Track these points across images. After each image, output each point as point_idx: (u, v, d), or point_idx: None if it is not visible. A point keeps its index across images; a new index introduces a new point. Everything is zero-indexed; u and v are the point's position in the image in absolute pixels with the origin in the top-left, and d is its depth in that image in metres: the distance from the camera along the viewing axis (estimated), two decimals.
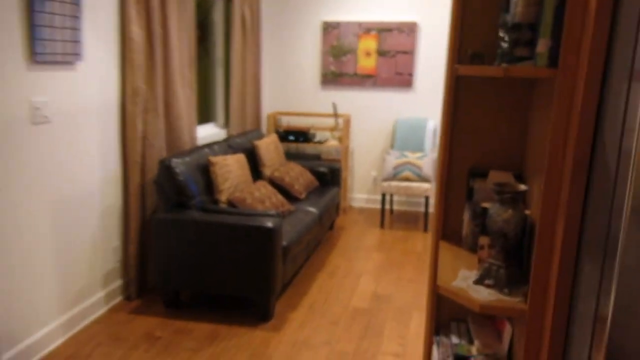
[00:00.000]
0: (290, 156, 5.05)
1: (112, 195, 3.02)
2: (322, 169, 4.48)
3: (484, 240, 1.60)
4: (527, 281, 1.47)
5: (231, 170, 3.37)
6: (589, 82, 1.09)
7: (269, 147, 4.17)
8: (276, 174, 3.99)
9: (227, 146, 3.76)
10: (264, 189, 3.49)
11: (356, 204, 5.45)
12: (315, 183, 4.30)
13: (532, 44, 1.37)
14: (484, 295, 1.46)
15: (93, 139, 2.81)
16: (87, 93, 2.73)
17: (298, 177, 4.08)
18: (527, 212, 1.57)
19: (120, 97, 3.00)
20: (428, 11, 4.89)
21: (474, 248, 1.78)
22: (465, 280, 1.56)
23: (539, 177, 1.53)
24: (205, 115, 4.52)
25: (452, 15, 1.67)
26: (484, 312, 1.42)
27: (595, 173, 1.10)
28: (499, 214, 1.45)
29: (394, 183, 4.59)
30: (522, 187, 1.46)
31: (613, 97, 1.02)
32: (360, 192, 5.42)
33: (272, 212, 3.04)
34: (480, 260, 1.62)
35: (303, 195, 3.99)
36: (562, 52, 1.17)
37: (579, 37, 1.14)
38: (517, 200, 1.45)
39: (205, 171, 3.30)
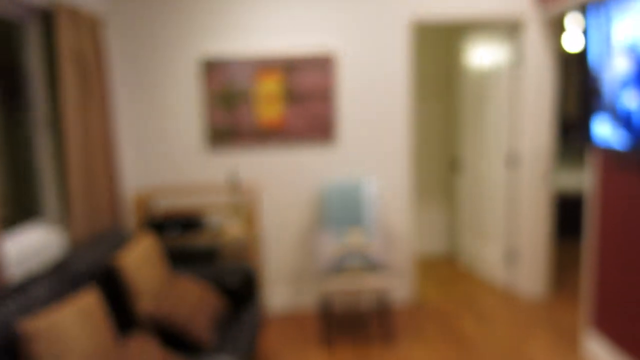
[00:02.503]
0: (174, 261, 3.38)
1: None
2: (230, 280, 2.88)
3: None
4: None
5: (68, 342, 1.66)
6: None
7: (141, 264, 2.49)
8: (160, 311, 2.33)
9: (61, 281, 2.03)
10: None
11: (277, 307, 3.89)
12: (222, 307, 2.69)
13: None
14: None
15: None
16: None
17: (196, 308, 2.44)
18: None
19: None
20: (348, 35, 3.65)
21: None
22: None
23: None
24: (23, 209, 2.72)
25: None
26: None
27: None
28: None
29: (337, 280, 3.15)
30: None
31: None
32: (280, 291, 3.88)
33: None
34: None
35: (207, 339, 2.37)
36: None
37: None
38: None
39: (13, 356, 1.57)
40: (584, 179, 5.56)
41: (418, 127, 5.02)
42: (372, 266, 3.15)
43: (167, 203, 3.74)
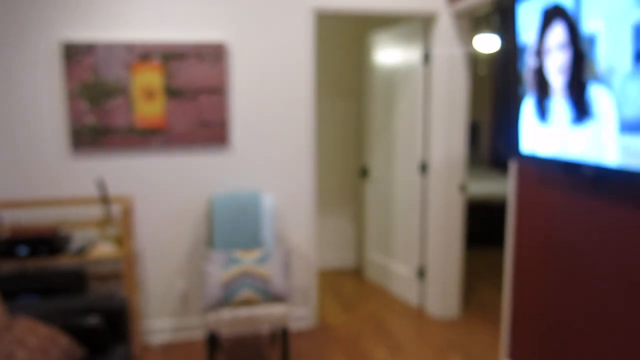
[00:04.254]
0: (25, 288, 2.69)
1: None
2: (93, 315, 2.28)
3: None
4: None
5: None
6: None
7: None
8: None
9: None
10: None
11: (157, 337, 3.30)
12: (78, 353, 2.10)
13: None
14: None
15: None
16: None
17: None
18: None
19: None
20: (243, 23, 3.17)
21: None
22: None
23: None
24: None
25: None
26: None
27: None
28: None
29: (228, 313, 2.65)
30: None
31: None
32: (161, 318, 3.30)
33: None
34: None
35: None
36: None
37: None
38: None
39: None
40: (492, 185, 5.49)
41: (326, 129, 4.64)
42: (269, 296, 2.69)
43: (16, 216, 3.03)
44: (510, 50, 2.36)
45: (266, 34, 3.20)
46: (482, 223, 5.34)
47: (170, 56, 3.06)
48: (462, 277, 3.73)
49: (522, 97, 2.33)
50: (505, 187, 5.45)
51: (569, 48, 1.95)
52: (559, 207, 2.36)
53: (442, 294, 3.64)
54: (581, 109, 1.94)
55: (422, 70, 3.63)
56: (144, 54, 3.03)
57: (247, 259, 2.78)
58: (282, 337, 2.77)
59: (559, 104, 2.07)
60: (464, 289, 4.20)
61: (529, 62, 2.23)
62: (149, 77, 3.05)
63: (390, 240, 4.14)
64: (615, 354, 2.04)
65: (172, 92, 3.10)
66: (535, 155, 2.28)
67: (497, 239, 5.38)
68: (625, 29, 1.67)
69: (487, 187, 5.45)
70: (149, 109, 3.08)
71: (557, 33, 2.01)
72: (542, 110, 2.19)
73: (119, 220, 3.10)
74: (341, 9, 3.26)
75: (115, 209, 3.12)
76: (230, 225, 3.03)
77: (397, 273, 4.07)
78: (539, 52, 2.15)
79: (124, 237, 2.86)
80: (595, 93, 1.84)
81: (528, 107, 2.30)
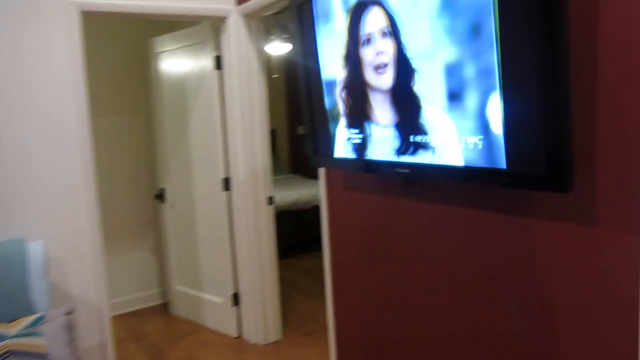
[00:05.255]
0: None
1: None
2: None
3: None
4: None
5: None
6: None
7: None
8: None
9: None
10: None
11: None
12: None
13: None
14: None
15: None
16: None
17: None
18: None
19: None
20: None
21: None
22: None
23: None
24: None
25: None
26: None
27: None
28: None
29: None
30: None
31: None
32: None
33: None
34: None
35: None
36: None
37: None
38: None
39: None
40: (297, 192, 5.42)
41: (110, 152, 3.97)
42: None
43: None
44: (311, 52, 2.16)
45: (15, 38, 2.48)
46: (292, 232, 5.23)
47: None
48: (280, 295, 3.49)
49: (328, 101, 2.15)
50: (311, 192, 5.43)
51: (393, 44, 1.81)
52: (372, 209, 2.25)
53: (261, 318, 3.35)
54: (407, 120, 1.81)
55: (215, 76, 3.28)
56: None
57: (11, 332, 2.08)
58: None
59: (381, 110, 1.92)
60: (283, 307, 3.98)
61: (337, 64, 2.05)
62: None
63: (198, 268, 3.70)
64: (441, 353, 1.99)
65: None
66: (346, 158, 2.12)
67: (307, 246, 5.33)
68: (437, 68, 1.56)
69: (292, 194, 5.36)
70: None
71: (375, 21, 1.86)
72: (356, 116, 2.03)
73: None
74: (115, 10, 2.72)
75: None
76: None
77: (209, 303, 3.64)
78: (350, 55, 1.98)
79: None
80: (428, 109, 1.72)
81: (338, 111, 2.13)
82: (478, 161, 1.53)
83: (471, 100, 1.50)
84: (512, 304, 1.67)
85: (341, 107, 2.08)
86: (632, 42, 1.25)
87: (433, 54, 1.59)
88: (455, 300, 1.91)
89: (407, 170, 1.81)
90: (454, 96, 1.55)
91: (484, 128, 1.48)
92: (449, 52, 1.53)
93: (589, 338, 1.44)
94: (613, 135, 1.32)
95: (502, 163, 1.45)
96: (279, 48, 5.23)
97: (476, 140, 1.52)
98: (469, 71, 1.48)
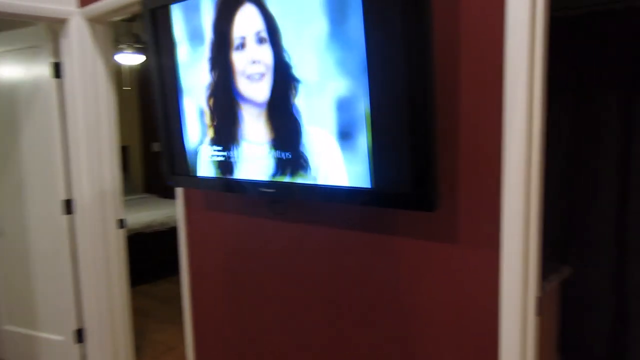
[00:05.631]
0: None
1: None
2: None
3: None
4: None
5: None
6: None
7: None
8: None
9: None
10: None
11: None
12: None
13: None
14: None
15: None
16: None
17: None
18: None
19: None
20: None
21: None
22: None
23: None
24: None
25: None
26: None
27: None
28: None
29: None
30: None
31: None
32: None
33: None
34: None
35: None
36: None
37: None
38: None
39: None
40: (150, 213, 5.05)
41: None
42: None
43: None
44: (167, 60, 1.99)
45: None
46: (146, 256, 4.85)
47: None
48: (132, 326, 3.17)
49: (187, 114, 1.99)
50: (167, 212, 5.10)
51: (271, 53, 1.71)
52: (236, 230, 2.14)
53: (111, 354, 3.00)
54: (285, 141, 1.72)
55: (54, 85, 2.91)
56: None
57: None
58: None
59: (253, 125, 1.81)
60: (137, 339, 3.63)
61: (201, 69, 1.91)
62: None
63: (33, 304, 3.21)
64: None
65: None
66: (209, 177, 1.98)
67: (163, 270, 4.99)
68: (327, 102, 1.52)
69: (146, 216, 4.98)
70: None
71: (247, 22, 1.75)
72: (224, 131, 1.90)
73: None
74: None
75: None
76: None
77: (47, 343, 3.18)
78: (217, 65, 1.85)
79: None
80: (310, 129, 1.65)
81: (196, 125, 1.98)
82: (343, 180, 1.51)
83: (344, 119, 1.47)
84: (377, 321, 1.67)
85: (206, 119, 1.93)
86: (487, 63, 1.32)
87: (316, 65, 1.54)
88: (322, 320, 1.87)
89: (272, 190, 1.73)
90: (337, 116, 1.51)
91: (353, 147, 1.46)
92: (335, 71, 1.49)
93: (452, 351, 1.48)
94: (474, 153, 1.38)
95: (368, 182, 1.44)
96: (131, 58, 4.88)
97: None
98: (344, 90, 1.46)
